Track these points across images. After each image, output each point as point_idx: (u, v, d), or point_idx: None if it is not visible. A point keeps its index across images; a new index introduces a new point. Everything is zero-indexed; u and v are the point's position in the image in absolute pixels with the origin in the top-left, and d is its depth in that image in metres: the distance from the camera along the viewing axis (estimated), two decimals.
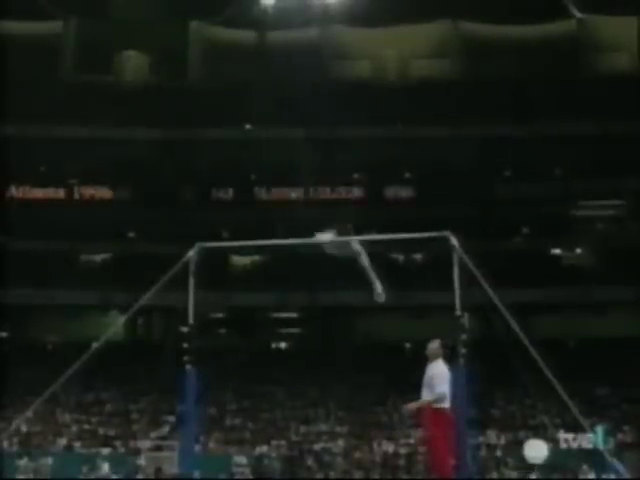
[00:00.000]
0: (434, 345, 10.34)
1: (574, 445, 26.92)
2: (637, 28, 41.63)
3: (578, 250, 39.82)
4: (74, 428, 32.16)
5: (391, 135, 38.85)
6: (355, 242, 10.45)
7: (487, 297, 10.23)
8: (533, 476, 26.44)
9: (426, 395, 10.17)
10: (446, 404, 9.94)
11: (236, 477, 28.52)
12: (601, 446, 24.87)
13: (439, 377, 10.05)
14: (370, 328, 38.70)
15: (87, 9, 41.69)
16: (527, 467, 26.59)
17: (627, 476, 14.93)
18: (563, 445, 27.06)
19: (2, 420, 30.76)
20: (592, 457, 26.52)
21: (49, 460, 28.78)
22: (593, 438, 25.40)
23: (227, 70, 41.42)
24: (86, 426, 32.42)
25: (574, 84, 39.52)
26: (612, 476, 24.30)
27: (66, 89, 39.68)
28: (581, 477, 26.80)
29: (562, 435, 27.06)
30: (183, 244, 11.46)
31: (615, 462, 20.06)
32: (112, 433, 31.72)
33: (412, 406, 10.29)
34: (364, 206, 37.85)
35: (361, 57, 42.53)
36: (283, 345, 40.95)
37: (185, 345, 10.67)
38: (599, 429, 25.57)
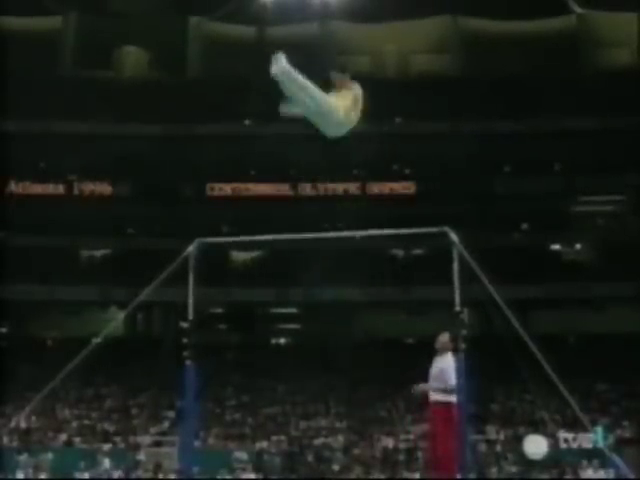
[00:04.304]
0: (444, 338, 10.33)
1: (574, 445, 26.99)
2: (637, 24, 41.59)
3: (578, 246, 39.84)
4: (74, 424, 32.19)
5: (390, 131, 38.82)
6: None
7: (487, 293, 10.22)
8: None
9: (435, 392, 10.19)
10: (455, 398, 9.95)
11: (236, 473, 28.52)
12: (601, 445, 24.94)
13: (450, 370, 10.07)
14: (369, 324, 38.74)
15: (87, 4, 41.72)
16: (527, 463, 26.61)
17: (627, 471, 14.93)
18: (563, 445, 27.13)
19: (2, 416, 30.83)
20: (592, 454, 26.61)
21: (49, 456, 28.80)
22: (593, 437, 25.46)
23: (226, 66, 41.41)
24: (86, 422, 32.44)
25: (574, 80, 39.50)
26: (612, 472, 24.35)
27: (65, 85, 39.63)
28: (581, 473, 26.82)
29: (562, 435, 27.10)
30: (183, 240, 11.45)
31: (615, 458, 20.08)
32: (112, 429, 31.75)
33: (423, 387, 10.35)
34: (363, 202, 37.85)
35: (361, 52, 42.50)
36: (283, 341, 40.98)
37: (185, 340, 10.66)
38: (599, 428, 25.61)
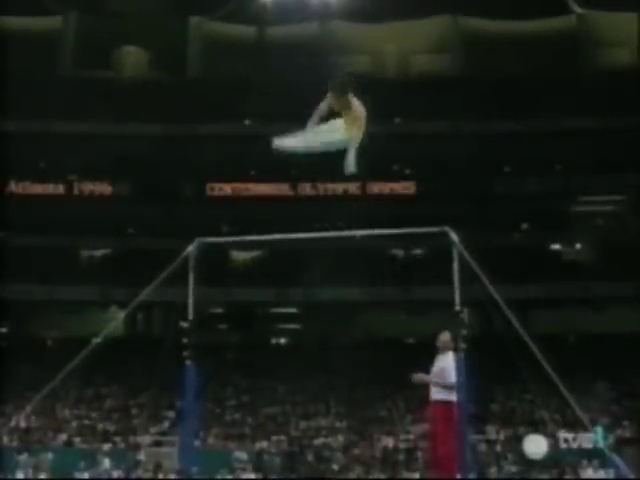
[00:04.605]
0: (445, 337, 10.28)
1: (574, 445, 27.02)
2: (637, 24, 41.57)
3: (578, 246, 39.84)
4: (74, 424, 32.19)
5: (390, 131, 38.78)
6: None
7: (487, 292, 10.21)
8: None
9: (436, 387, 10.19)
10: (455, 397, 9.94)
11: (236, 473, 28.49)
12: (601, 445, 24.97)
13: (451, 369, 10.08)
14: (370, 324, 38.73)
15: (87, 4, 41.71)
16: (527, 462, 26.61)
17: (627, 472, 14.92)
18: (563, 445, 27.15)
19: (2, 416, 30.84)
20: (592, 454, 26.62)
21: (49, 456, 28.79)
22: (593, 437, 25.49)
23: (226, 65, 41.39)
24: (86, 422, 32.44)
25: (574, 80, 39.50)
26: (612, 472, 24.36)
27: (65, 84, 39.61)
28: (581, 473, 26.82)
29: (562, 435, 27.11)
30: (183, 239, 11.45)
31: (615, 457, 20.08)
32: (112, 428, 31.75)
33: (422, 377, 10.36)
34: (364, 201, 37.84)
35: (361, 52, 42.50)
36: (283, 340, 40.97)
37: (185, 340, 10.65)
38: (598, 428, 25.64)
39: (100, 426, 31.98)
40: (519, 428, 30.34)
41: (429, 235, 10.95)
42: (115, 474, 28.04)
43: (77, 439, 31.03)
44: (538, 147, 38.03)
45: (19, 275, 34.55)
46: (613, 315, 36.76)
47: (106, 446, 30.12)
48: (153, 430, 31.55)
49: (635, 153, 35.57)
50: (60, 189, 39.19)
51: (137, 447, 30.04)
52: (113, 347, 29.05)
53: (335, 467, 29.01)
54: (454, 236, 10.03)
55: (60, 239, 37.28)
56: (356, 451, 30.14)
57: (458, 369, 9.88)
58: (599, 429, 25.71)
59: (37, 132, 37.71)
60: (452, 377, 10.03)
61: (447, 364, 10.19)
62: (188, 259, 10.66)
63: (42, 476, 27.75)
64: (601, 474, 26.14)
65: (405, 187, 39.13)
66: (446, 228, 10.10)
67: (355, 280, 34.70)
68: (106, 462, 28.26)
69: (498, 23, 41.84)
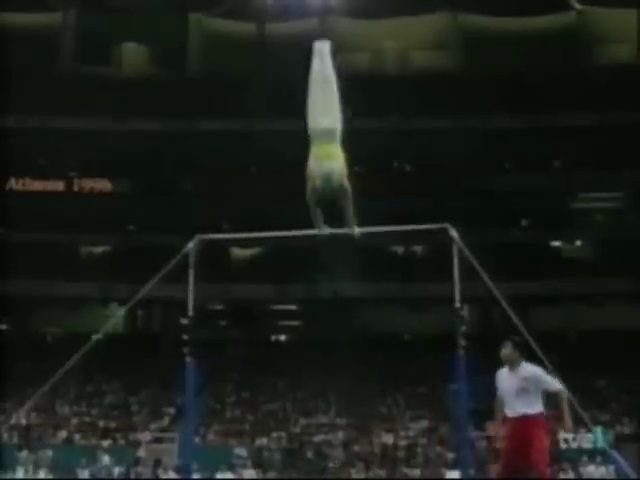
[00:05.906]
0: (507, 350, 9.29)
1: (574, 445, 27.06)
2: (637, 20, 41.57)
3: (578, 242, 39.86)
4: (74, 420, 32.20)
5: (390, 127, 38.79)
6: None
7: (487, 289, 10.22)
8: None
9: (522, 405, 9.30)
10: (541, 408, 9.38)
11: (236, 469, 28.49)
12: (600, 445, 25.02)
13: (541, 376, 9.30)
14: (369, 320, 38.75)
15: (86, 1, 41.64)
16: None
17: (629, 470, 14.92)
18: (563, 445, 27.17)
19: (2, 412, 30.86)
20: (593, 450, 26.66)
21: (49, 452, 28.80)
22: (593, 438, 25.52)
23: (226, 62, 41.35)
24: (86, 418, 32.46)
25: (574, 76, 39.47)
26: (612, 468, 24.42)
27: (65, 81, 39.58)
28: (581, 469, 26.84)
29: (562, 435, 27.14)
30: (183, 236, 11.45)
31: (616, 455, 20.11)
32: (112, 425, 31.75)
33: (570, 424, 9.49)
34: (363, 197, 37.78)
35: (360, 49, 42.44)
36: (283, 337, 40.99)
37: (185, 337, 10.66)
38: (598, 429, 25.67)
39: (100, 423, 31.99)
40: None
41: (429, 231, 10.95)
42: (115, 471, 28.06)
43: (77, 436, 31.04)
44: (538, 144, 38.02)
45: (19, 271, 34.54)
46: (613, 312, 36.77)
47: (106, 443, 30.13)
48: (153, 427, 31.57)
49: (635, 150, 35.58)
50: (60, 186, 39.16)
51: (137, 444, 30.06)
52: (113, 344, 29.21)
53: (335, 464, 29.03)
54: (454, 233, 10.03)
55: (60, 236, 37.25)
56: (356, 448, 30.15)
57: (458, 367, 9.87)
58: (598, 429, 25.74)
59: (37, 128, 37.67)
60: (551, 381, 9.30)
61: (533, 373, 9.27)
62: (188, 256, 10.66)
63: (42, 473, 27.77)
64: (602, 470, 26.18)
65: (405, 183, 39.10)
66: (446, 225, 10.11)
67: (355, 276, 34.70)
68: (106, 459, 28.25)
69: (498, 20, 41.78)
